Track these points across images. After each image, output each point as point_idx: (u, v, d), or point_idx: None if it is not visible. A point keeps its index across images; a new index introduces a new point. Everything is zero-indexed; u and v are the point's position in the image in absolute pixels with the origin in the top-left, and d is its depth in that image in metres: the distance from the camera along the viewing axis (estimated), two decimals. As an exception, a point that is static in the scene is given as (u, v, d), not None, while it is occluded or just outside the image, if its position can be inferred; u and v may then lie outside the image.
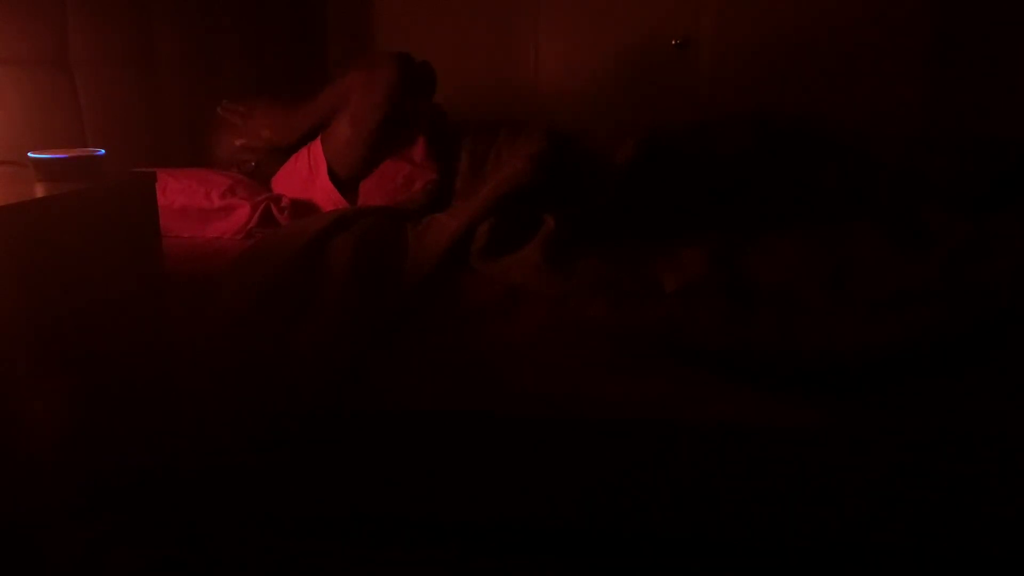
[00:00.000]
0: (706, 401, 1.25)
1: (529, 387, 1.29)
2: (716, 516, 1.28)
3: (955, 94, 2.26)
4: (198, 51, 2.10)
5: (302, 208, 1.67)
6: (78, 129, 1.69)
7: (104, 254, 1.18)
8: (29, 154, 1.22)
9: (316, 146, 1.74)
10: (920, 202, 1.59)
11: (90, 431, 1.14)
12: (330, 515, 1.38)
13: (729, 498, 1.27)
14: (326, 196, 1.70)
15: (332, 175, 1.71)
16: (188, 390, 1.33)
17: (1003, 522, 1.21)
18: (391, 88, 1.68)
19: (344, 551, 1.35)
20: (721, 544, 1.29)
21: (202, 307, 1.36)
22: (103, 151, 1.26)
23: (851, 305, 1.26)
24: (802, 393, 1.22)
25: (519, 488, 1.33)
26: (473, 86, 2.45)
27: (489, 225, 1.40)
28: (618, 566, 1.30)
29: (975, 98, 2.22)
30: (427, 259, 1.38)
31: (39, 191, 1.14)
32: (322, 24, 2.67)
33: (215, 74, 2.18)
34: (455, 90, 2.07)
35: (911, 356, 1.20)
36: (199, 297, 1.37)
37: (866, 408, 1.21)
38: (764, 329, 1.24)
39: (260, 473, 1.37)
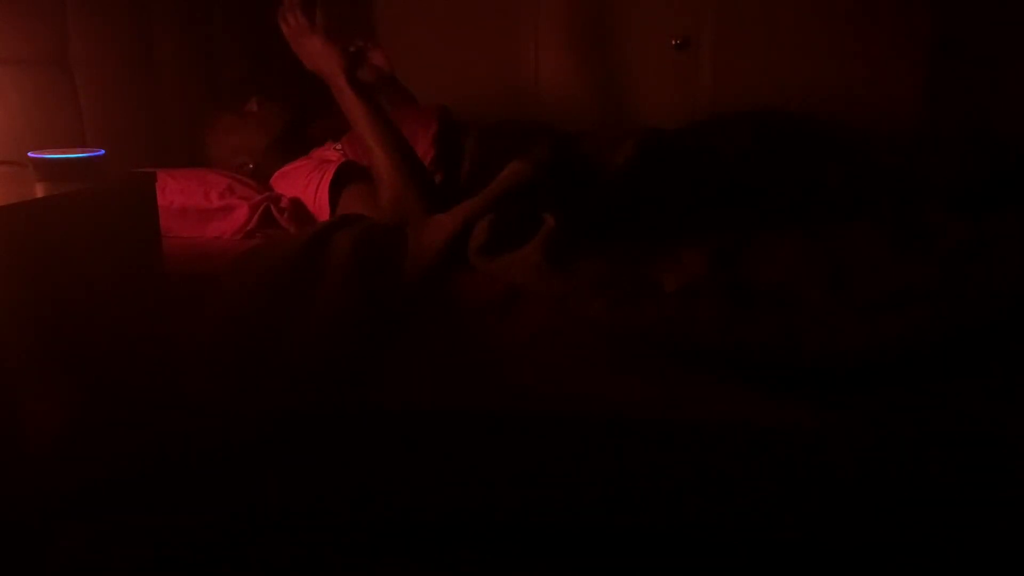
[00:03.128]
0: (706, 401, 1.24)
1: (529, 386, 1.29)
2: (716, 516, 1.28)
3: (955, 93, 2.26)
4: (198, 51, 2.10)
5: (302, 209, 1.67)
6: (78, 129, 1.69)
7: (104, 254, 1.18)
8: (29, 154, 1.22)
9: (323, 191, 1.64)
10: (920, 202, 1.59)
11: (90, 430, 1.14)
12: (330, 515, 1.38)
13: (729, 498, 1.27)
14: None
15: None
16: (188, 390, 1.33)
17: (1003, 522, 1.21)
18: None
19: (344, 551, 1.35)
20: (721, 544, 1.30)
21: (202, 307, 1.36)
22: (103, 151, 1.26)
23: (851, 305, 1.26)
24: (802, 393, 1.22)
25: (519, 488, 1.33)
26: (474, 87, 2.45)
27: (488, 222, 1.40)
28: (617, 566, 1.30)
29: (975, 97, 2.21)
30: (427, 258, 1.37)
31: (39, 191, 1.14)
32: (322, 25, 2.66)
33: (215, 74, 2.18)
34: (455, 92, 2.07)
35: (911, 356, 1.20)
36: (199, 297, 1.37)
37: (866, 408, 1.21)
38: (764, 329, 1.23)
39: (260, 473, 1.37)
